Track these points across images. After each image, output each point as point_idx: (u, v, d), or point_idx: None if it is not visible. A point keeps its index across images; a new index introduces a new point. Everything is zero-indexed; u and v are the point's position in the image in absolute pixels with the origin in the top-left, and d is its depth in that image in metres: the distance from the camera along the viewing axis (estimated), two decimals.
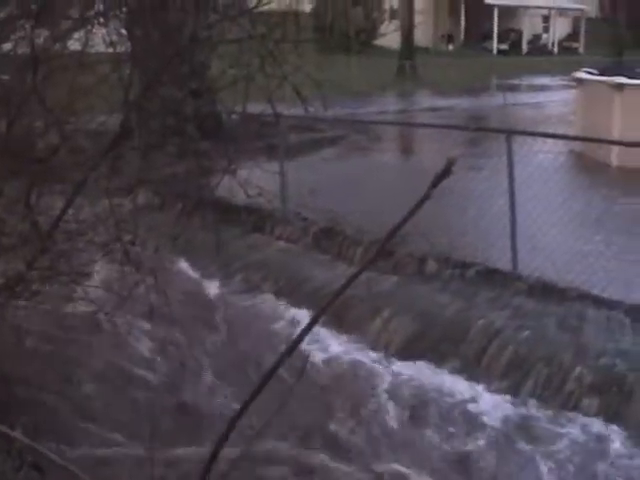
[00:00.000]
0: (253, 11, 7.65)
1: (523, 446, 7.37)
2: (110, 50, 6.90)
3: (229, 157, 7.13)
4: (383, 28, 50.31)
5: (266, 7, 7.59)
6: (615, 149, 16.14)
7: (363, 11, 33.77)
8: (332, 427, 7.78)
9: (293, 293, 10.63)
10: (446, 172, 1.60)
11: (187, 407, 8.13)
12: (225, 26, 7.39)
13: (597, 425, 7.49)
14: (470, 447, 7.40)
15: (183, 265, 12.04)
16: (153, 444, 5.57)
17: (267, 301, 10.75)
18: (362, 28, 34.42)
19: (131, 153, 6.79)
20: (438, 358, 8.81)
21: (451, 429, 7.69)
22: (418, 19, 46.93)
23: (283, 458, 7.17)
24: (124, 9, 7.48)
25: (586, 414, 7.62)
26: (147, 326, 9.30)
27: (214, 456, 2.20)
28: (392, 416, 7.95)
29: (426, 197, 1.60)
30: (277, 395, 2.51)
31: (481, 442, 7.45)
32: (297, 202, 12.43)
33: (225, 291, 11.26)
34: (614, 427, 7.41)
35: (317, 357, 9.11)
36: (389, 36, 47.90)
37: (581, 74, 20.63)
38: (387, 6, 49.88)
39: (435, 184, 1.60)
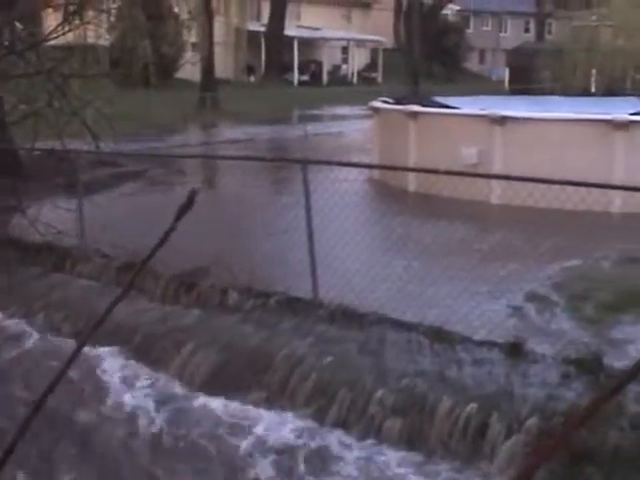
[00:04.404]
0: (42, 45, 7.54)
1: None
2: None
3: (18, 195, 7.00)
4: (184, 61, 50.26)
5: (59, 40, 7.47)
6: (411, 176, 16.61)
7: (151, 45, 33.34)
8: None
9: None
10: (189, 204, 1.61)
11: None
12: (11, 60, 7.26)
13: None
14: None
15: None
16: None
17: (65, 340, 10.51)
18: (156, 61, 34.03)
19: None
20: (243, 389, 8.81)
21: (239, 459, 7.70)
22: (217, 51, 47.12)
23: None
24: None
25: (389, 436, 7.77)
26: None
27: None
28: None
29: (171, 229, 1.61)
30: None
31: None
32: (96, 239, 12.23)
33: (21, 332, 10.96)
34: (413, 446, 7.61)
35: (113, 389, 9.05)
36: (190, 69, 47.89)
37: (377, 103, 21.12)
38: (186, 38, 49.76)
39: (179, 217, 1.61)
